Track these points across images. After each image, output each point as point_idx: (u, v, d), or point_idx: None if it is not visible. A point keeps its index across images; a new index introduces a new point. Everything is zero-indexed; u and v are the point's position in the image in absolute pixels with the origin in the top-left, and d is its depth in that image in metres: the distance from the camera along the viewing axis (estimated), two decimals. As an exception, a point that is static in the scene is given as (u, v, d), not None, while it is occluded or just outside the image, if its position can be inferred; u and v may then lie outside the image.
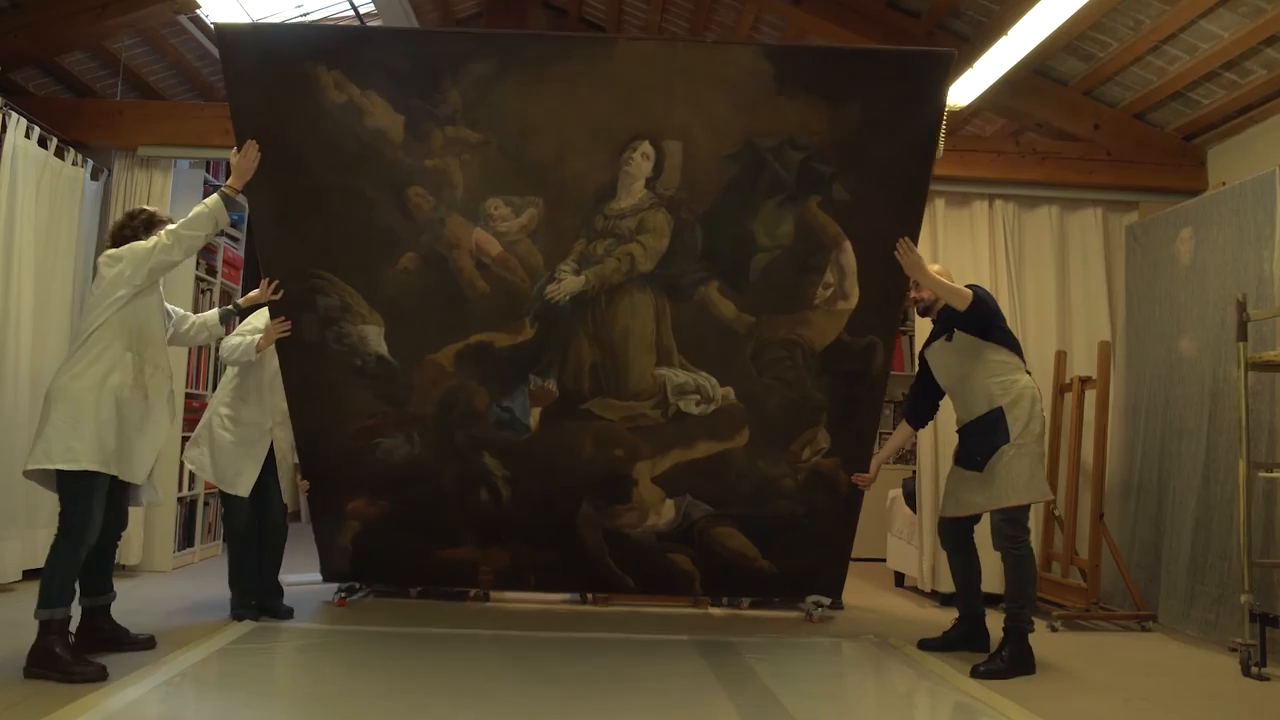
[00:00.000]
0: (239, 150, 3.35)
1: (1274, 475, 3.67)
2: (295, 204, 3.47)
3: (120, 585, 4.50)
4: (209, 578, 4.76)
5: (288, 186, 3.43)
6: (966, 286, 3.56)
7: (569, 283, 3.50)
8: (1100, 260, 5.15)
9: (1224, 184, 4.58)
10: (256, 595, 3.92)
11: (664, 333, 3.62)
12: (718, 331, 3.62)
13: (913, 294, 3.73)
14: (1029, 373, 3.62)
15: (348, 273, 3.56)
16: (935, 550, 4.86)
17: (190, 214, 3.29)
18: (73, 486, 2.97)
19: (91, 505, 2.98)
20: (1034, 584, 3.56)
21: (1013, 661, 3.37)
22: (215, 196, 3.29)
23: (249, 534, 3.90)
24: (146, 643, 3.29)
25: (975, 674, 3.31)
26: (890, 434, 4.82)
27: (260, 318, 3.83)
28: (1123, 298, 5.04)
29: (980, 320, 3.53)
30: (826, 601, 4.50)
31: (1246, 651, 3.45)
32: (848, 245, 3.46)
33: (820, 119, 3.21)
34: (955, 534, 3.75)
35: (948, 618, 3.96)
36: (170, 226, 3.26)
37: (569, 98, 3.16)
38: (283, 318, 3.66)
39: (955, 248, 5.14)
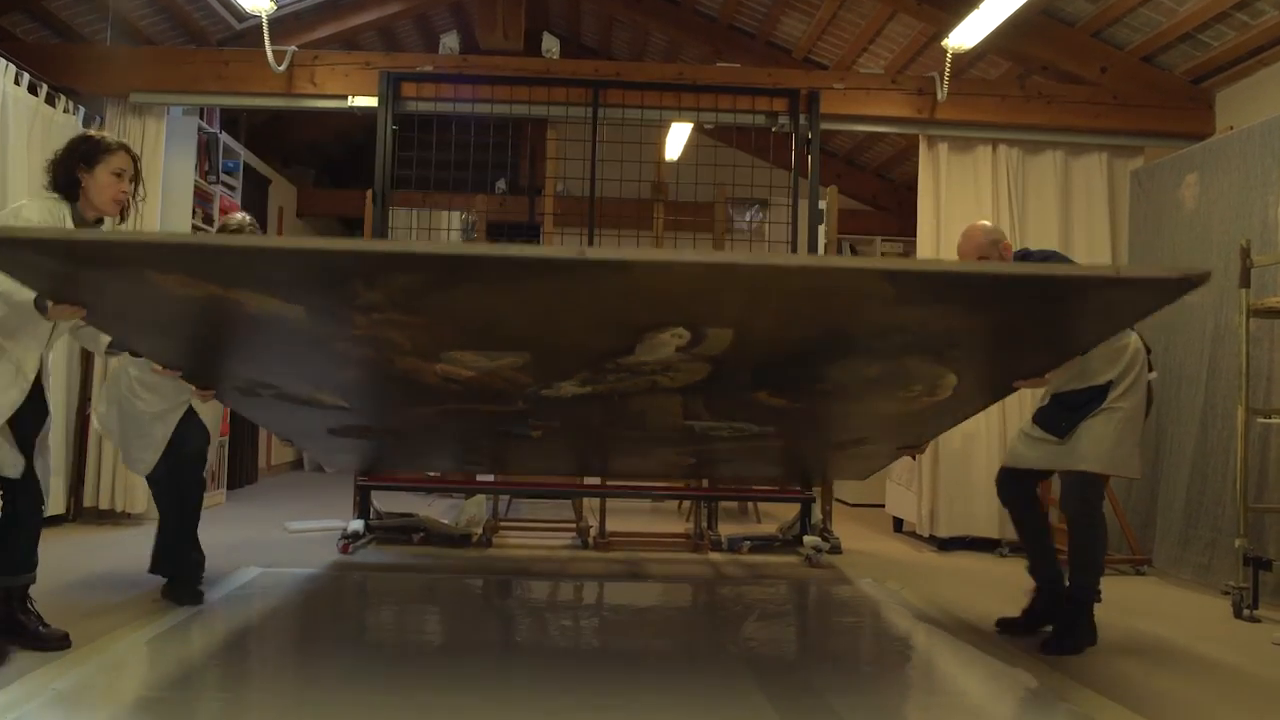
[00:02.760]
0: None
1: (1272, 421, 3.68)
2: (192, 349, 2.72)
3: (125, 534, 4.57)
4: (215, 527, 4.79)
5: (172, 339, 2.65)
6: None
7: (569, 389, 2.76)
8: (1104, 206, 5.11)
9: (1231, 128, 4.52)
10: (161, 563, 3.37)
11: (694, 410, 2.99)
12: (764, 410, 2.97)
13: None
14: (1132, 328, 3.07)
15: (286, 382, 2.85)
16: (933, 495, 4.91)
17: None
18: None
19: None
20: (1103, 552, 3.12)
21: (1079, 634, 3.00)
22: (29, 297, 2.45)
23: (168, 508, 3.37)
24: (57, 641, 2.66)
25: (1047, 651, 2.94)
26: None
27: None
28: (1126, 244, 5.01)
29: None
30: (826, 546, 4.56)
31: (1239, 594, 3.51)
32: (951, 376, 2.68)
33: (947, 320, 2.32)
34: (1017, 488, 3.29)
35: (946, 562, 4.01)
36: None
37: (556, 303, 2.22)
38: (210, 391, 3.00)
39: (958, 193, 5.10)
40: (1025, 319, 2.33)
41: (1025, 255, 3.15)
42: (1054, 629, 3.03)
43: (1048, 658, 2.88)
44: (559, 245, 2.39)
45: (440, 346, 2.47)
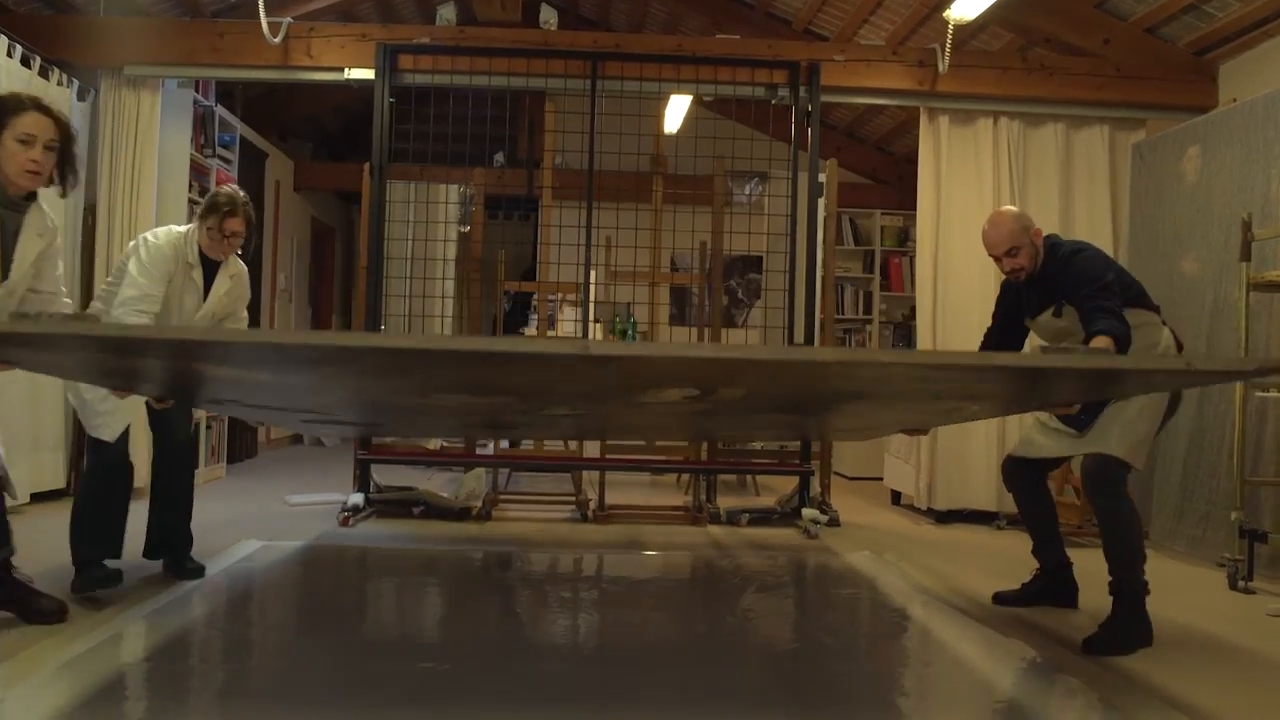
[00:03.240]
0: None
1: (1269, 394, 3.69)
2: (140, 384, 2.54)
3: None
4: (215, 501, 4.82)
5: (117, 379, 2.46)
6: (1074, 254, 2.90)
7: (564, 409, 2.65)
8: (1105, 179, 5.09)
9: (1235, 100, 4.49)
10: (156, 547, 3.22)
11: (698, 418, 2.85)
12: (772, 422, 2.96)
13: (1006, 266, 2.98)
14: (1165, 322, 3.04)
15: (253, 399, 2.67)
16: (931, 469, 4.92)
17: None
18: None
19: None
20: (1139, 536, 2.88)
21: (1129, 631, 2.75)
22: None
23: (104, 486, 3.02)
24: (55, 612, 2.58)
25: (1089, 649, 2.68)
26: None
27: None
28: (1127, 217, 5.00)
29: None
30: (824, 519, 4.59)
31: (1234, 566, 3.53)
32: (974, 407, 2.62)
33: (984, 385, 2.18)
34: (1027, 477, 3.19)
35: (943, 534, 4.03)
36: None
37: (555, 377, 2.03)
38: (169, 403, 2.82)
39: (959, 166, 5.08)
40: (1071, 385, 2.18)
41: (1055, 245, 2.96)
42: (1102, 625, 2.76)
43: (1044, 635, 2.90)
44: (562, 340, 2.20)
45: (426, 392, 2.30)
